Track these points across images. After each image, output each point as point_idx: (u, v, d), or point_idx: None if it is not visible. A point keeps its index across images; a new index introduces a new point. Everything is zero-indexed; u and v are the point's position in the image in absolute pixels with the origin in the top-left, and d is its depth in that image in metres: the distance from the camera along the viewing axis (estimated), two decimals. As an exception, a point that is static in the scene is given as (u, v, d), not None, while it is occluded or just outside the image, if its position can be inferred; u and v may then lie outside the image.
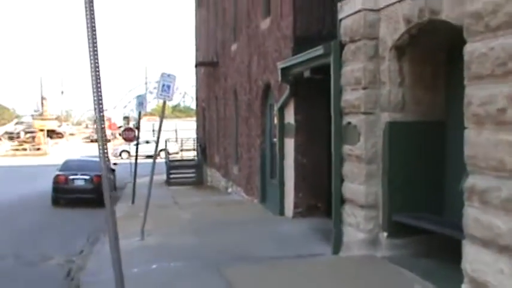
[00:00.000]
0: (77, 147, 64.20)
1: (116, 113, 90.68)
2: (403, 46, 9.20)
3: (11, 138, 71.84)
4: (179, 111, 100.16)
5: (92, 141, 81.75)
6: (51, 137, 78.15)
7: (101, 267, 10.50)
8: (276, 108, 15.39)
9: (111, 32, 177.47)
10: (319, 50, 10.89)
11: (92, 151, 45.62)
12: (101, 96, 5.66)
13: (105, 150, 5.83)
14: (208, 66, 28.68)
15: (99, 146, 5.81)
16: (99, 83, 5.66)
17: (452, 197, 9.32)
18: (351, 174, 9.96)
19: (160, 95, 12.33)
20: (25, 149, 64.95)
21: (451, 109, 9.41)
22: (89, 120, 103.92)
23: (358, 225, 9.78)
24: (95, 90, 5.62)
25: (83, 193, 21.82)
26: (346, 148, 10.08)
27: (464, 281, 6.80)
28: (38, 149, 65.70)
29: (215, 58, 26.94)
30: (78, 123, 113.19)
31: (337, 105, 10.29)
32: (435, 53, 9.49)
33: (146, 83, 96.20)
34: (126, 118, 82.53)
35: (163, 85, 12.23)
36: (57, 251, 12.74)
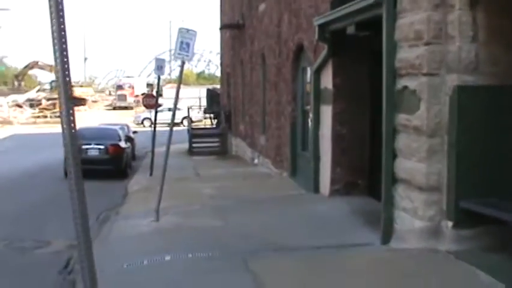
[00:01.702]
0: (99, 115, 62.79)
1: (140, 81, 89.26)
2: (477, -9, 7.38)
3: (31, 106, 70.46)
4: (203, 79, 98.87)
5: (114, 108, 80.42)
6: (74, 104, 76.72)
7: (105, 257, 8.91)
8: (310, 71, 13.62)
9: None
10: (368, 0, 9.06)
11: (113, 119, 44.46)
12: (66, 51, 4.01)
13: (72, 118, 4.17)
14: (233, 28, 26.82)
15: (61, 112, 4.18)
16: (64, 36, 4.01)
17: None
18: (407, 149, 8.19)
19: (178, 54, 10.59)
20: (46, 116, 63.50)
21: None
22: (112, 88, 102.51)
23: (416, 211, 8.04)
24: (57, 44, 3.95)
25: (97, 164, 20.22)
26: (402, 118, 8.30)
27: None
28: (59, 116, 64.17)
29: (241, 20, 25.10)
30: (101, 91, 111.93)
31: (391, 65, 8.48)
32: (516, 0, 7.63)
33: (170, 50, 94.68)
34: (150, 85, 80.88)
35: (182, 42, 10.48)
36: (58, 233, 11.05)
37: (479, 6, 7.46)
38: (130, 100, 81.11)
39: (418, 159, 7.93)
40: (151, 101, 27.05)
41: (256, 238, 9.21)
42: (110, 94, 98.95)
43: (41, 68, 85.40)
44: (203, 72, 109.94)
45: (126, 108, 78.40)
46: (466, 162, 7.55)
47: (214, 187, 15.78)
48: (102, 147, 20.41)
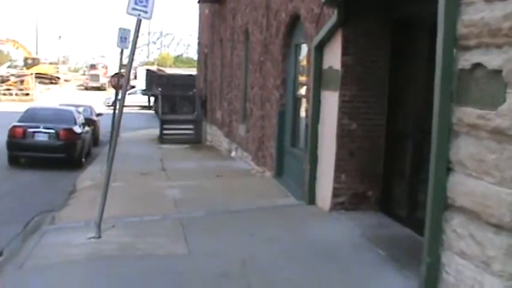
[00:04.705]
0: (69, 95, 59.30)
1: (115, 60, 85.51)
2: None
3: (1, 82, 66.54)
4: (181, 62, 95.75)
5: (86, 88, 76.97)
6: (44, 83, 73.27)
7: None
8: (308, 48, 10.61)
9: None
10: None
11: (83, 99, 41.10)
12: None
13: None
14: (213, 2, 23.69)
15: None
16: None
17: None
18: (477, 162, 5.22)
19: (133, 9, 7.48)
20: (11, 94, 59.67)
21: None
22: (86, 68, 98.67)
23: (487, 261, 5.09)
24: None
25: (46, 151, 17.03)
26: (468, 113, 5.32)
27: None
28: (27, 94, 60.47)
29: (222, -8, 22.03)
30: (76, 70, 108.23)
31: (450, 31, 5.51)
32: None
33: (149, 33, 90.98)
34: (124, 66, 76.92)
35: (139, -7, 7.40)
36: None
37: None
38: (104, 81, 77.59)
39: (498, 181, 4.95)
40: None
41: (235, 283, 6.21)
42: (83, 74, 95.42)
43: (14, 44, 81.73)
44: (181, 55, 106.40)
45: (99, 88, 75.07)
46: None
47: (181, 187, 12.75)
48: (52, 131, 17.20)
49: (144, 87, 41.95)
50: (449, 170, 5.62)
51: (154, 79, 39.50)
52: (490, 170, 5.05)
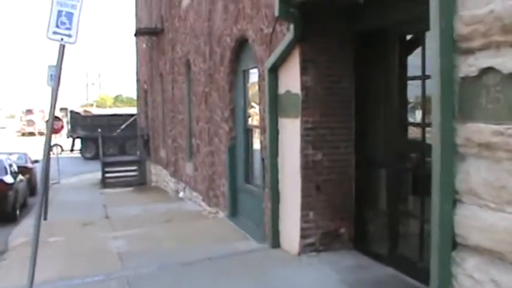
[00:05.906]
0: (5, 142, 56.89)
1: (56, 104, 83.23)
2: None
3: None
4: (121, 102, 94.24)
5: (23, 134, 74.51)
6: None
7: None
8: (262, 70, 9.51)
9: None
10: None
11: (22, 146, 39.19)
12: None
13: None
14: (150, 35, 22.54)
15: None
16: None
17: None
18: (495, 190, 4.17)
19: (54, 33, 6.27)
20: None
21: None
22: (22, 113, 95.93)
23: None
24: None
25: (-28, 206, 15.41)
26: (480, 130, 4.28)
27: None
28: None
29: (159, 25, 20.91)
30: (12, 116, 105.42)
31: (447, 33, 4.49)
32: None
33: (87, 75, 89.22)
34: (64, 109, 75.12)
35: (60, 13, 6.18)
36: None
37: None
38: (42, 125, 75.32)
39: (530, 213, 3.91)
40: (57, 124, 22.41)
41: None
42: (20, 120, 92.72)
43: None
44: (120, 95, 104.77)
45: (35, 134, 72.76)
46: None
47: (127, 237, 11.37)
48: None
49: (69, 129, 41.02)
50: (455, 201, 4.56)
51: (78, 121, 38.76)
52: (515, 200, 4.00)
